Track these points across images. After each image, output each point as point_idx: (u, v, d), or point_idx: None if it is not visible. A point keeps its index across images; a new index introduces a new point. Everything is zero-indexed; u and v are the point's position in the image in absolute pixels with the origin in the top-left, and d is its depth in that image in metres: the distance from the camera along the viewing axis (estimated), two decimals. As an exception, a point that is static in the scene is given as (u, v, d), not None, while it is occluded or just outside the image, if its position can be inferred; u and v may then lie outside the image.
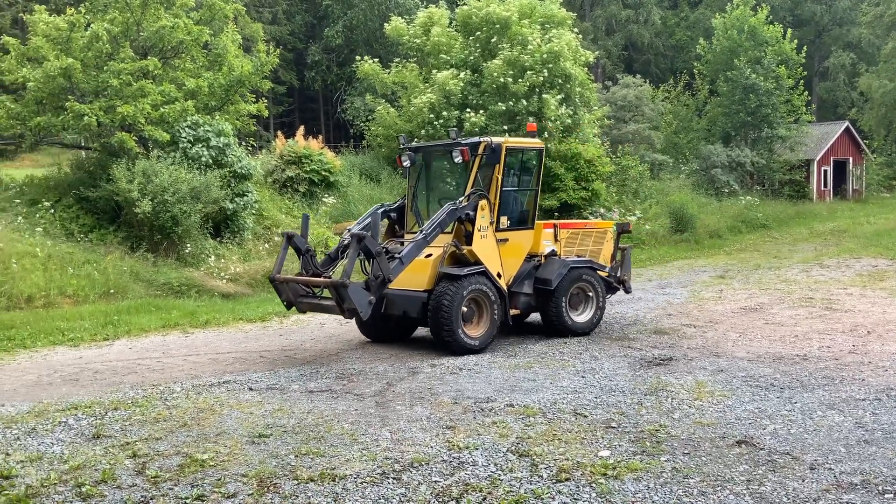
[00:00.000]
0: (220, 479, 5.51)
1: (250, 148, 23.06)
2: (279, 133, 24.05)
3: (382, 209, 10.83)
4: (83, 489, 5.37)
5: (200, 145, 17.59)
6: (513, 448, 6.05)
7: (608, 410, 7.09)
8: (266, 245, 18.44)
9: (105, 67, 17.26)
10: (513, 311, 10.59)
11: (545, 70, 22.71)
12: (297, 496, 5.16)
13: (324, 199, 21.42)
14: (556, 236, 11.30)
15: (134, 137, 17.06)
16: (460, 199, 10.04)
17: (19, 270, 13.77)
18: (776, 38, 35.02)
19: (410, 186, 11.21)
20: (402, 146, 11.14)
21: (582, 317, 11.01)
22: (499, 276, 10.14)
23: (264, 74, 20.28)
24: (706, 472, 5.53)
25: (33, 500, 5.21)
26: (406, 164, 10.92)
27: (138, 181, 15.84)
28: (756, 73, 33.44)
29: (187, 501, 5.12)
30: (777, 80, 33.96)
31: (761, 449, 6.00)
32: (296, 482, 5.42)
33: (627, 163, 27.60)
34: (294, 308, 9.98)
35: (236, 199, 17.98)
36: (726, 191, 31.37)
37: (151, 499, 5.19)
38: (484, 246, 10.05)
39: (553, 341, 10.53)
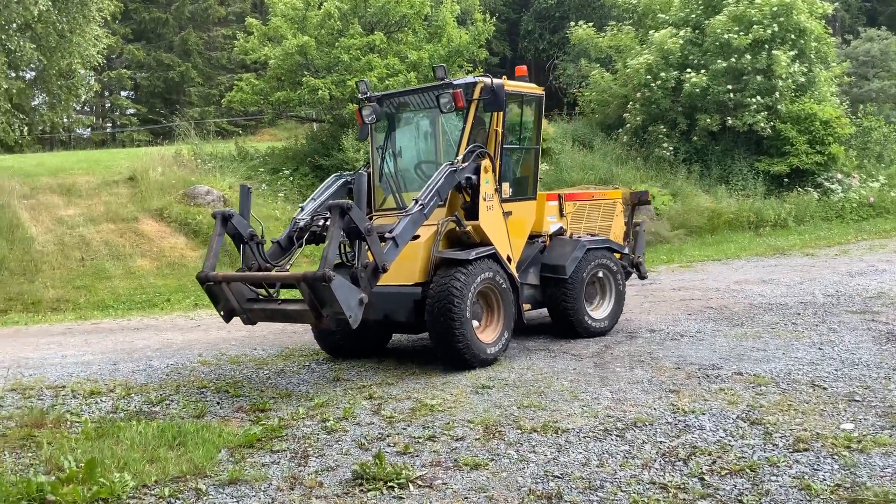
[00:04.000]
0: (448, 423, 5.79)
1: (466, 117, 23.60)
2: (494, 102, 24.38)
3: (343, 180, 8.26)
4: (328, 424, 5.87)
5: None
6: (743, 415, 5.78)
7: (850, 384, 6.55)
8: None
9: (336, 44, 18.43)
10: None
11: (775, 24, 21.09)
12: (522, 444, 5.29)
13: (537, 167, 21.48)
14: (561, 210, 9.11)
15: (362, 109, 18.15)
16: (456, 158, 7.66)
17: (265, 232, 15.20)
18: None
19: (376, 149, 8.63)
20: (361, 95, 8.54)
21: (599, 312, 8.97)
22: (509, 259, 7.99)
23: (480, 44, 20.61)
24: (971, 454, 4.96)
25: (286, 430, 5.78)
26: (369, 119, 8.33)
27: (365, 150, 16.83)
28: None
29: (420, 440, 5.43)
30: None
31: None
32: (519, 431, 5.56)
33: (870, 124, 25.03)
34: (236, 319, 7.15)
35: (453, 167, 18.53)
36: None
37: (388, 436, 5.56)
38: (491, 220, 7.81)
39: (786, 311, 9.88)
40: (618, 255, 9.33)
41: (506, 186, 8.23)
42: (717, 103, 22.01)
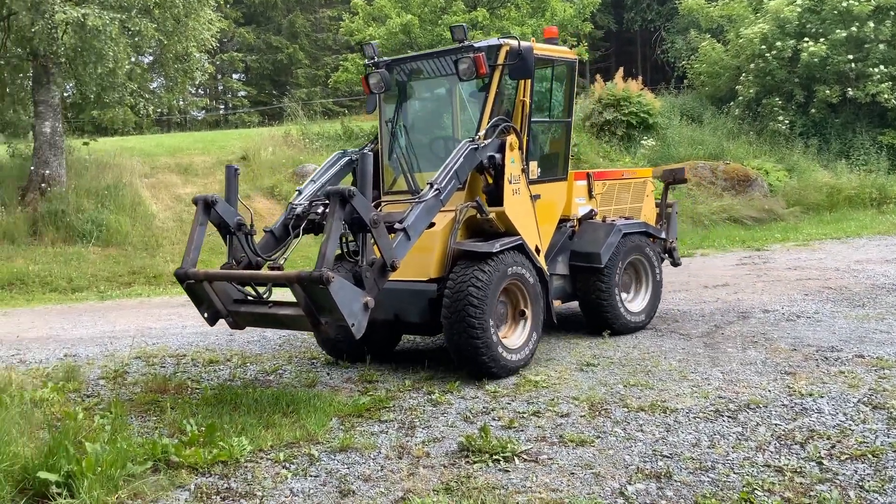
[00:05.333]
0: (552, 400, 5.77)
1: (570, 92, 23.31)
2: (598, 77, 23.93)
3: (347, 158, 7.30)
4: (433, 396, 5.96)
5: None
6: (865, 399, 5.50)
7: None
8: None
9: (439, 21, 18.47)
10: None
11: (905, -13, 19.77)
12: (629, 422, 5.22)
13: (642, 142, 20.99)
14: (590, 191, 8.17)
15: (463, 86, 18.19)
16: (477, 134, 6.63)
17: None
18: None
19: (386, 123, 7.54)
20: (368, 61, 7.43)
21: (635, 304, 8.12)
22: (537, 250, 6.98)
23: (585, 17, 20.23)
24: None
25: (393, 401, 5.90)
26: (377, 89, 7.23)
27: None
28: None
29: (524, 416, 5.44)
30: None
31: None
32: (626, 410, 5.48)
33: None
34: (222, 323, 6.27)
35: (556, 143, 18.31)
36: None
37: (492, 410, 5.60)
38: (518, 206, 6.74)
39: (911, 292, 9.32)
40: (651, 240, 8.48)
41: (533, 166, 7.20)
42: (837, 74, 20.86)
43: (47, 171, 15.88)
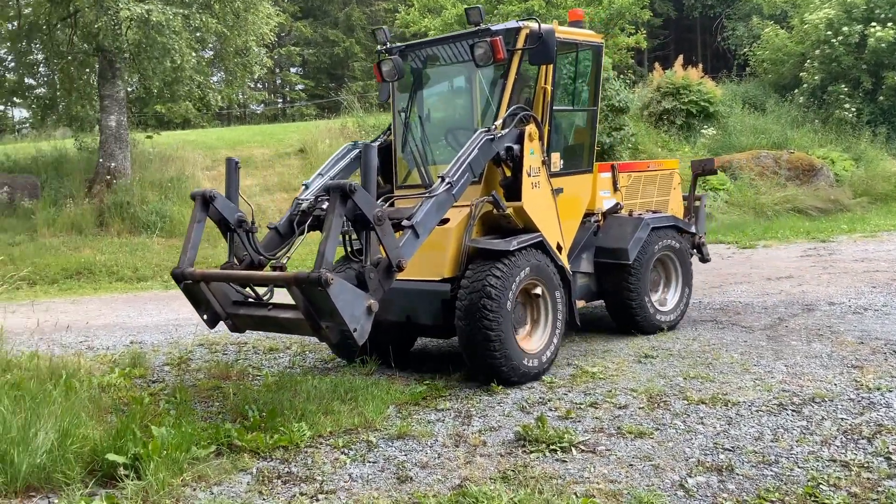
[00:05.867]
0: (610, 391, 5.71)
1: (628, 81, 22.99)
2: (656, 65, 23.54)
3: (357, 151, 6.84)
4: (489, 386, 5.93)
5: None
6: (937, 395, 5.32)
7: None
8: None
9: (495, 11, 18.37)
10: None
11: (982, -33, 18.93)
12: (689, 415, 5.14)
13: (702, 131, 20.58)
14: (615, 183, 7.75)
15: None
16: (494, 123, 6.19)
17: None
18: None
19: (399, 112, 7.12)
20: (380, 47, 7.01)
21: (665, 303, 7.72)
22: (559, 248, 6.57)
23: (643, 4, 19.92)
24: None
25: (449, 391, 5.94)
26: (390, 76, 6.81)
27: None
28: None
29: (581, 406, 5.40)
30: None
31: None
32: (686, 402, 5.40)
33: None
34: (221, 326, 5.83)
35: (613, 133, 18.07)
36: None
37: (549, 400, 5.58)
38: (538, 200, 6.32)
39: None
40: (681, 235, 8.01)
41: (556, 157, 6.76)
42: (908, 58, 20.10)
43: (113, 164, 16.36)
